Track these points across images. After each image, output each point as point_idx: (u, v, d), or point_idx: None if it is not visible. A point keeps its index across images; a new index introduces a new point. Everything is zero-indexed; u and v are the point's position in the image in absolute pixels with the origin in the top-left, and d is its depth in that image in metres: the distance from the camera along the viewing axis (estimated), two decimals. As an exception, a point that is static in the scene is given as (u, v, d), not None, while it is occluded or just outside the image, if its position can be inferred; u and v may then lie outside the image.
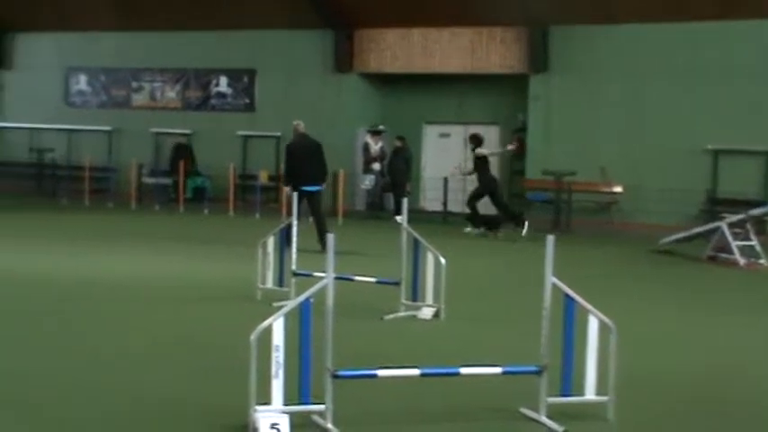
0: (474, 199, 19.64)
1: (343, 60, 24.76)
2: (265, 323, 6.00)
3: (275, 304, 9.92)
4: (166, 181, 25.41)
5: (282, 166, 16.85)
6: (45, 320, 9.75)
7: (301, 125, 16.67)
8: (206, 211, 22.66)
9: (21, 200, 25.10)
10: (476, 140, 19.79)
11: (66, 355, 8.19)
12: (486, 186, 19.50)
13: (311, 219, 16.26)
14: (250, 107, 26.21)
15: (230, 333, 8.86)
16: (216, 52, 26.38)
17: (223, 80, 26.59)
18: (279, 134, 24.63)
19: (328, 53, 25.01)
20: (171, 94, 27.30)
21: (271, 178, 24.27)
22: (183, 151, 25.70)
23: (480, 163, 19.55)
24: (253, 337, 5.95)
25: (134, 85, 27.66)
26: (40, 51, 28.83)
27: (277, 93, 25.59)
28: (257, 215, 21.45)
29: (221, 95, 26.67)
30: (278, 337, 6.02)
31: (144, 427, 6.21)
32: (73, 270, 13.15)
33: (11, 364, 7.78)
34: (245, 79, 26.32)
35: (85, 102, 28.48)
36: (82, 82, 28.43)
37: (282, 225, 11.18)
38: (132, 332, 9.28)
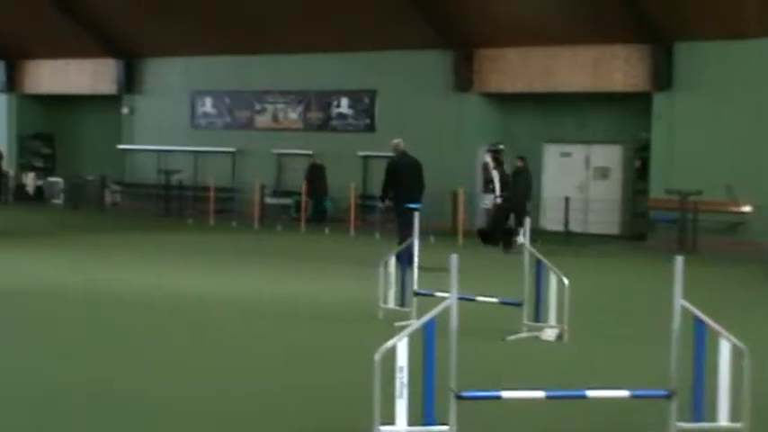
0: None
1: (464, 80, 24.76)
2: (389, 343, 6.02)
3: (397, 324, 9.94)
4: (287, 201, 25.76)
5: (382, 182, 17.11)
6: (172, 337, 9.99)
7: (401, 143, 17.04)
8: (327, 231, 22.89)
9: (149, 220, 25.79)
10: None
11: (192, 373, 8.36)
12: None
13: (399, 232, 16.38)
14: (370, 127, 26.41)
15: (353, 352, 8.91)
16: (337, 74, 26.70)
17: (344, 101, 26.88)
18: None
19: (448, 73, 25.04)
20: (293, 115, 27.71)
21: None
22: (318, 171, 25.56)
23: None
24: (377, 356, 5.97)
25: (257, 106, 28.18)
26: (168, 75, 29.65)
27: (397, 113, 25.72)
28: (377, 235, 21.58)
29: (342, 116, 26.96)
30: (402, 358, 6.03)
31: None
32: (199, 289, 13.44)
33: (139, 379, 7.99)
34: (366, 100, 26.55)
35: (210, 124, 29.13)
36: (207, 104, 29.12)
37: (404, 245, 11.21)
38: (257, 350, 9.42)
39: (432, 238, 18.85)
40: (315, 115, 27.36)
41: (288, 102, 27.75)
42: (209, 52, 28.16)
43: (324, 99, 27.19)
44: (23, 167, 32.13)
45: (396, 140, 17.20)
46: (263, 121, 28.14)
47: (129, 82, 30.15)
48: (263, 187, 25.53)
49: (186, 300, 12.39)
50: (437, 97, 25.17)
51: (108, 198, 29.66)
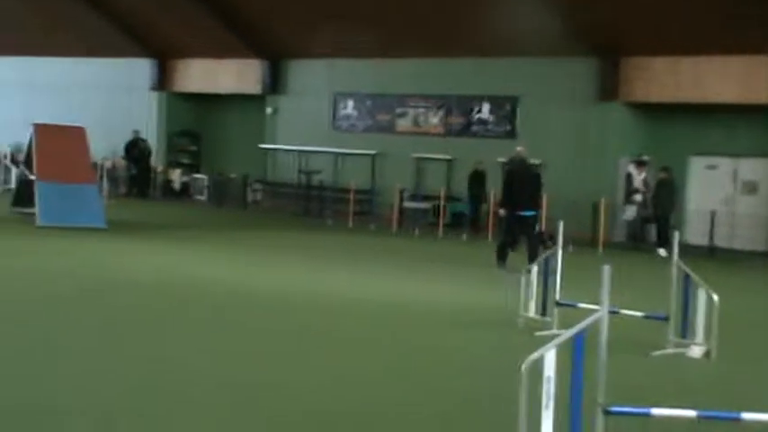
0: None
1: (608, 89, 24.35)
2: (536, 354, 5.92)
3: (538, 334, 9.83)
4: (426, 205, 25.79)
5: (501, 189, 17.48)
6: (306, 338, 10.11)
7: (522, 152, 17.39)
8: (464, 237, 22.82)
9: (290, 219, 26.21)
10: None
11: (343, 377, 8.44)
12: None
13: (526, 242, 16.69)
14: (511, 134, 26.20)
15: (492, 360, 8.85)
16: (478, 79, 26.59)
17: (485, 107, 26.77)
18: (539, 162, 24.48)
19: (592, 81, 24.66)
20: (434, 119, 27.75)
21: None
22: (479, 178, 25.15)
23: None
24: (524, 366, 5.89)
25: (398, 110, 28.33)
26: (310, 77, 30.09)
27: (539, 120, 25.47)
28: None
29: (483, 122, 26.86)
30: (549, 369, 5.93)
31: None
32: (337, 290, 13.58)
33: (265, 376, 8.11)
34: (507, 106, 26.38)
35: (351, 126, 29.41)
36: (349, 107, 29.42)
37: (546, 253, 11.09)
38: (392, 354, 9.45)
39: (570, 248, 18.57)
40: (455, 120, 27.34)
41: (429, 106, 27.81)
42: (352, 55, 28.43)
43: (465, 104, 27.14)
44: (170, 164, 33.08)
45: (518, 148, 17.81)
46: (403, 124, 28.26)
47: (274, 82, 30.70)
48: (402, 191, 25.63)
49: (329, 300, 12.54)
50: (580, 106, 24.82)
51: (250, 196, 30.25)
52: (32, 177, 20.22)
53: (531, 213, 16.46)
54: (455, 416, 7.12)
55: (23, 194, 21.32)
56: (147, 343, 9.26)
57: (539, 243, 16.69)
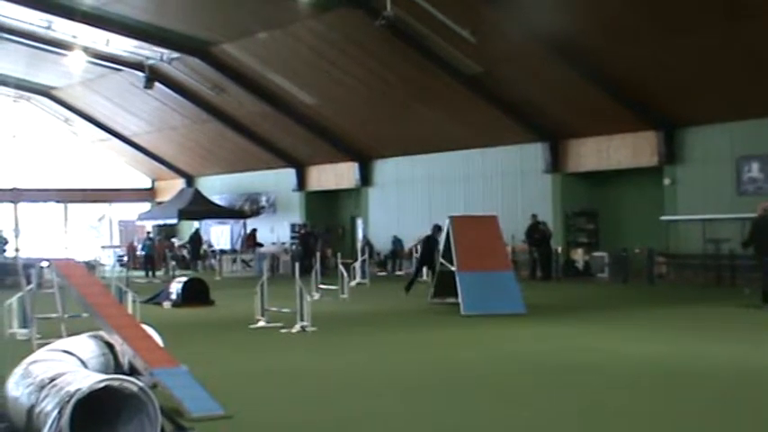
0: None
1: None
2: None
3: None
4: None
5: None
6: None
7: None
8: None
9: (699, 291, 25.24)
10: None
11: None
12: None
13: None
14: None
15: None
16: None
17: None
18: None
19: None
20: None
21: None
22: None
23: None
24: None
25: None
26: (710, 142, 29.14)
27: None
28: None
29: None
30: None
31: None
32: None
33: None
34: None
35: (758, 189, 28.01)
36: (754, 169, 28.08)
37: None
38: None
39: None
40: None
41: None
42: (755, 115, 27.25)
43: None
44: (569, 244, 33.20)
45: (764, 203, 20.99)
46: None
47: (670, 152, 30.01)
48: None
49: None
50: None
51: (655, 270, 29.58)
52: (453, 268, 20.95)
53: None
54: None
55: (442, 285, 22.13)
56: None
57: None
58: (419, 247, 29.33)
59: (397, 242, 38.76)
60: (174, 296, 24.21)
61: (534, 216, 32.32)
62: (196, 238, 45.85)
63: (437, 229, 25.25)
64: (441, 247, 22.86)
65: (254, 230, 44.55)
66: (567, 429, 9.13)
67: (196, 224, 48.18)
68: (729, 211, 28.20)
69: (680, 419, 9.45)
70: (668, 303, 22.41)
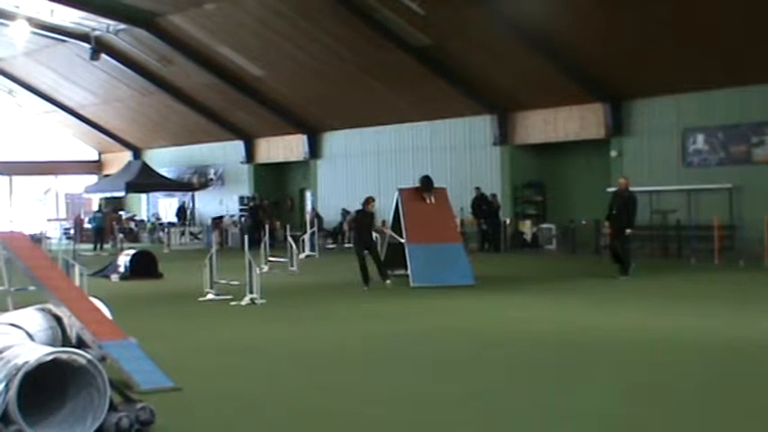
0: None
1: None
2: None
3: None
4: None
5: None
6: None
7: None
8: None
9: (648, 261, 25.60)
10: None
11: None
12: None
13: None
14: None
15: None
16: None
17: None
18: None
19: None
20: (795, 145, 26.29)
21: None
22: None
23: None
24: None
25: (754, 139, 27.03)
26: (657, 114, 29.43)
27: None
28: None
29: None
30: None
31: None
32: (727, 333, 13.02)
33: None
34: None
35: (703, 161, 28.39)
36: (699, 141, 28.44)
37: None
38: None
39: None
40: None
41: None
42: (698, 88, 27.59)
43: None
44: (518, 216, 33.46)
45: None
46: (761, 154, 26.88)
47: (616, 124, 30.28)
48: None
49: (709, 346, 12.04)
50: None
51: (601, 241, 29.87)
52: (402, 240, 21.00)
53: None
54: None
55: (392, 257, 22.14)
56: (578, 397, 9.22)
57: None
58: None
59: (345, 214, 38.76)
60: (122, 269, 24.06)
61: (478, 188, 32.57)
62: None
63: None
64: (388, 219, 22.82)
65: (184, 203, 45.38)
66: (506, 396, 9.25)
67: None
68: (675, 182, 28.62)
69: (613, 384, 9.63)
70: (613, 274, 22.65)
